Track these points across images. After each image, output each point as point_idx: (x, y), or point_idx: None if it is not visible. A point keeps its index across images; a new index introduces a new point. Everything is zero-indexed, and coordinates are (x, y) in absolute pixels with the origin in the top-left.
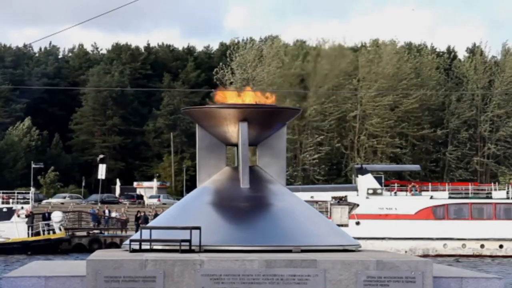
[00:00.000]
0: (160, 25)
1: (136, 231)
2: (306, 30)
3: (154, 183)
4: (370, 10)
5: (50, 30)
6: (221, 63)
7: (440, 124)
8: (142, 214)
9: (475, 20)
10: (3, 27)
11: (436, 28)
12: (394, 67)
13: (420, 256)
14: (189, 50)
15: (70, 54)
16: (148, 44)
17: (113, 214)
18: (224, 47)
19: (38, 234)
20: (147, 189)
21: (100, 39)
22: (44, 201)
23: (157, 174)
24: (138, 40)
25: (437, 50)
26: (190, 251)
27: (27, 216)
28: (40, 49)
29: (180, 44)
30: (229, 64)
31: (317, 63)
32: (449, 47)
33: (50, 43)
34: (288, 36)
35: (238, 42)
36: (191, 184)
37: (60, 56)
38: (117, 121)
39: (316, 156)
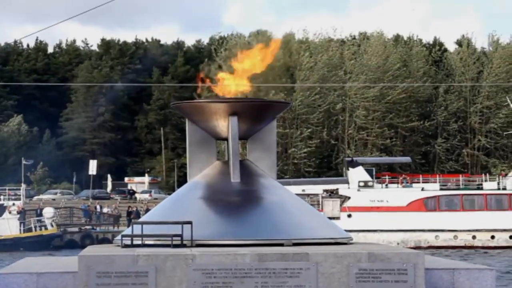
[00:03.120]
0: (159, 21)
1: (128, 226)
2: (301, 24)
3: (146, 178)
4: (371, 5)
5: (44, 26)
6: (206, 59)
7: (429, 116)
8: (134, 209)
9: (469, 13)
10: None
11: (429, 21)
12: (380, 58)
13: (412, 248)
14: (179, 45)
15: (58, 50)
16: (138, 40)
17: (105, 210)
18: (213, 42)
19: (30, 230)
20: (139, 184)
21: (98, 36)
22: (35, 197)
23: (148, 169)
24: (135, 36)
25: (427, 42)
26: (182, 245)
27: (18, 212)
28: (28, 45)
29: (171, 39)
30: (215, 59)
31: (301, 56)
32: (439, 39)
33: (37, 39)
34: (281, 31)
35: (224, 37)
36: (183, 179)
37: (50, 52)
38: (107, 117)
39: (305, 150)
